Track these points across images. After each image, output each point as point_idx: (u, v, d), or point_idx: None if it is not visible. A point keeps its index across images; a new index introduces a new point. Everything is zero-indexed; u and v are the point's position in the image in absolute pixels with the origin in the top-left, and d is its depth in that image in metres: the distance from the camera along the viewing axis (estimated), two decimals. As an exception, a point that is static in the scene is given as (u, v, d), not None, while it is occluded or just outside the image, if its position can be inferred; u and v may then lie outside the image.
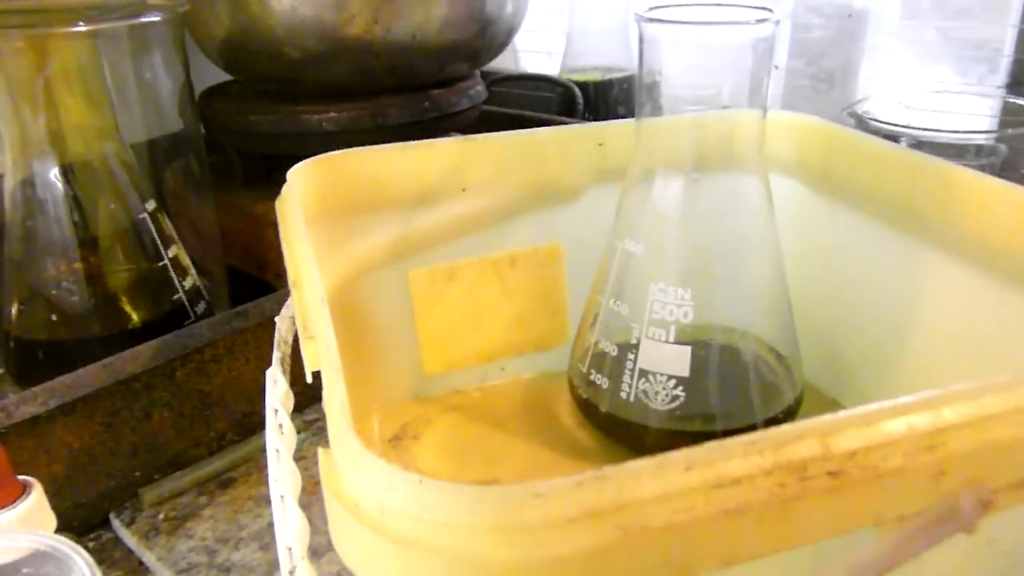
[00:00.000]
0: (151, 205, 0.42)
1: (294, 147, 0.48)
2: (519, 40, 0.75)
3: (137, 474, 0.37)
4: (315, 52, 0.47)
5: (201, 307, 0.43)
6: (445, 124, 0.52)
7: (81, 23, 0.37)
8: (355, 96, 0.49)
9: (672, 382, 0.31)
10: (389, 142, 0.35)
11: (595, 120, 0.40)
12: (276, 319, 0.29)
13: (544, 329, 0.40)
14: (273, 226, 0.30)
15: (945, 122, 0.53)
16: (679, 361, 0.31)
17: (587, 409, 0.34)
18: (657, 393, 0.31)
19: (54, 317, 0.39)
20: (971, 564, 0.20)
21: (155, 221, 0.42)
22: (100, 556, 0.34)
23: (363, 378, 0.37)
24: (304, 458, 0.38)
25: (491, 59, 0.56)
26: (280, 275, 0.41)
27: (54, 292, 0.39)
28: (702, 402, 0.32)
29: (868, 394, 0.35)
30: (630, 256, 0.33)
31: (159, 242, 0.42)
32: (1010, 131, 0.53)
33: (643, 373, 0.32)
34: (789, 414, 0.33)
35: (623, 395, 0.32)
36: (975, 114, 0.58)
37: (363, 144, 0.35)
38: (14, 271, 0.40)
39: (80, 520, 0.35)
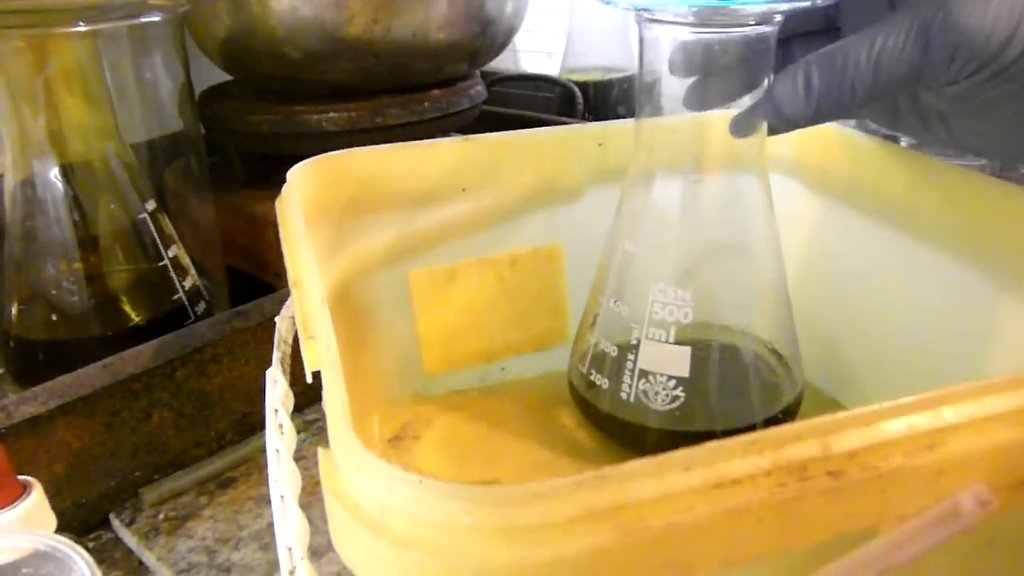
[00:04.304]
0: (151, 205, 0.42)
1: (294, 147, 0.48)
2: (519, 40, 0.75)
3: (137, 474, 0.37)
4: (315, 52, 0.47)
5: (201, 307, 0.43)
6: (445, 124, 0.52)
7: (81, 23, 0.37)
8: (355, 96, 0.49)
9: (672, 382, 0.31)
10: (389, 142, 0.35)
11: (595, 120, 0.40)
12: (276, 319, 0.29)
13: (544, 329, 0.40)
14: (273, 226, 0.30)
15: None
16: (679, 361, 0.31)
17: (587, 409, 0.34)
18: (657, 393, 0.32)
19: (54, 317, 0.39)
20: (971, 564, 0.20)
21: (155, 221, 0.42)
22: (100, 556, 0.34)
23: (363, 378, 0.37)
24: (304, 458, 0.38)
25: (491, 59, 0.56)
26: (280, 275, 0.41)
27: (54, 292, 0.39)
28: (702, 402, 0.32)
29: (868, 394, 0.35)
30: (630, 257, 0.33)
31: (159, 242, 0.42)
32: (1010, 131, 0.53)
33: (643, 373, 0.32)
34: (789, 414, 0.33)
35: (623, 395, 0.32)
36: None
37: (363, 144, 0.35)
38: (14, 271, 0.40)
39: (80, 520, 0.35)
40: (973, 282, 0.30)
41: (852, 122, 0.53)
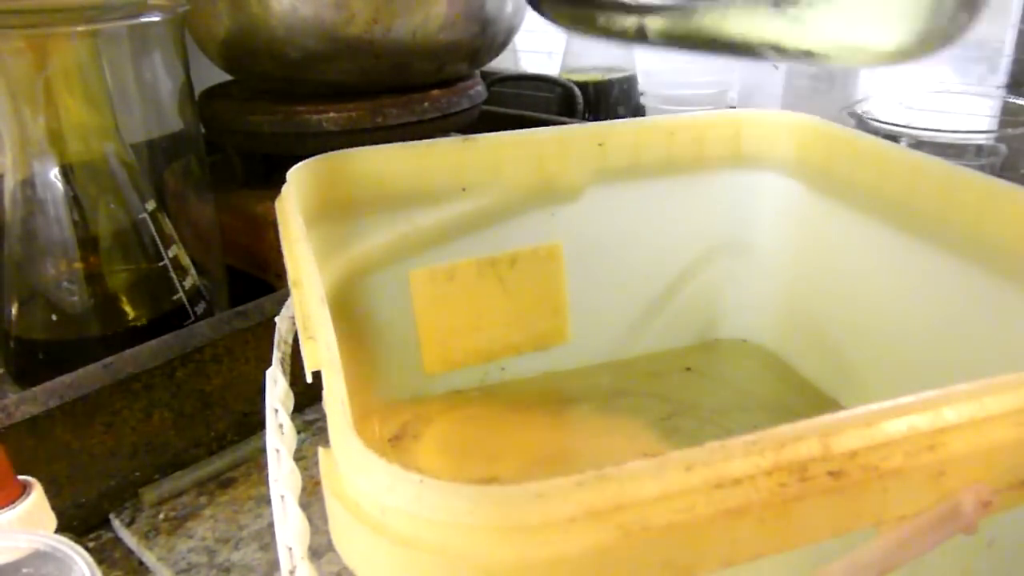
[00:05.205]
0: (151, 205, 0.42)
1: (294, 147, 0.48)
2: (519, 40, 0.75)
3: (137, 474, 0.37)
4: (315, 52, 0.47)
5: (201, 307, 0.43)
6: (445, 124, 0.52)
7: (81, 23, 0.37)
8: (355, 96, 0.49)
9: None
10: (389, 142, 0.35)
11: (595, 120, 0.40)
12: (276, 319, 0.29)
13: (544, 329, 0.40)
14: (273, 226, 0.30)
15: (945, 122, 0.53)
16: None
17: None
18: None
19: (54, 317, 0.39)
20: (971, 564, 0.20)
21: (155, 221, 0.42)
22: (100, 556, 0.34)
23: (363, 378, 0.37)
24: (304, 458, 0.38)
25: (491, 59, 0.56)
26: (280, 275, 0.41)
27: (54, 292, 0.39)
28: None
29: (868, 394, 0.36)
30: None
31: (159, 242, 0.42)
32: (1010, 131, 0.53)
33: None
34: None
35: None
36: (975, 114, 0.58)
37: (363, 144, 0.35)
38: (14, 271, 0.40)
39: (80, 520, 0.35)
40: (973, 282, 0.30)
41: (852, 122, 0.53)
